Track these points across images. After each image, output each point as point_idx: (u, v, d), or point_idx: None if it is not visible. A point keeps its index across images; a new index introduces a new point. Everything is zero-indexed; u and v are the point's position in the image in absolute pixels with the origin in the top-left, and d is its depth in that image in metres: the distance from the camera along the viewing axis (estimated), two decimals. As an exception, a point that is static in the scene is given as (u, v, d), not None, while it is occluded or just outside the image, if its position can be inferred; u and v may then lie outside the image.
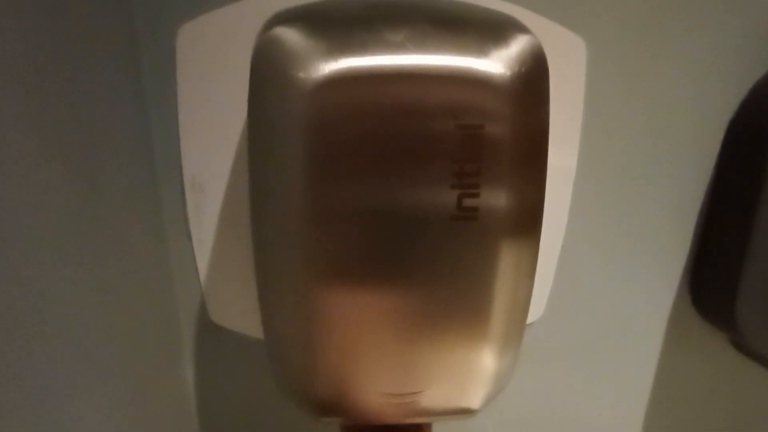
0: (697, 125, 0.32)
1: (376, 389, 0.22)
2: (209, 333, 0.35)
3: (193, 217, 0.32)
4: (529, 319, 0.32)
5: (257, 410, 0.37)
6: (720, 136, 0.33)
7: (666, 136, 0.33)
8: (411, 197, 0.19)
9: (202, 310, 0.34)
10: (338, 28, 0.18)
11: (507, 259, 0.20)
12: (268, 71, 0.19)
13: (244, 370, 0.35)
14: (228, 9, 0.28)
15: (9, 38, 0.20)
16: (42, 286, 0.23)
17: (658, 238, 0.35)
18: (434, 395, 0.22)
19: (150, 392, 0.32)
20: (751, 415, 0.38)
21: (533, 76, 0.18)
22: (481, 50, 0.18)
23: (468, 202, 0.19)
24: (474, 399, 0.23)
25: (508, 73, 0.18)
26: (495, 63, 0.18)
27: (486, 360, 0.22)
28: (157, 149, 0.31)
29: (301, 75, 0.17)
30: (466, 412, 0.23)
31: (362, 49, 0.17)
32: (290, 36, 0.18)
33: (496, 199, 0.19)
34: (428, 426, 0.27)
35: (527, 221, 0.20)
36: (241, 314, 0.34)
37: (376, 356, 0.21)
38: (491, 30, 0.19)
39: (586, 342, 0.37)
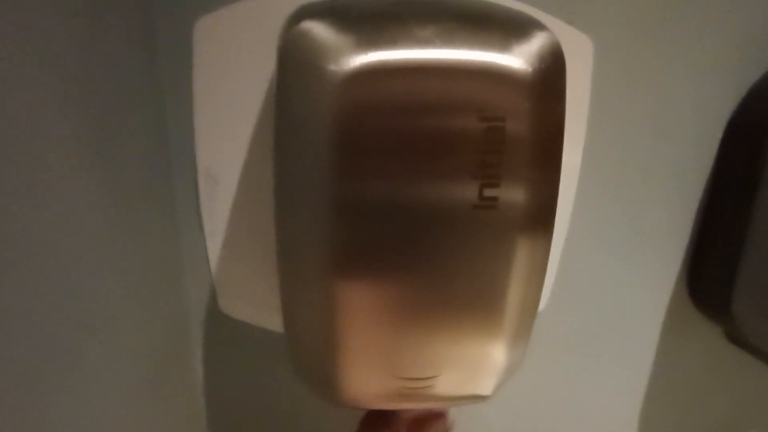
0: (698, 123, 0.33)
1: (393, 374, 0.22)
2: (219, 324, 0.35)
3: (205, 208, 0.32)
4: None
5: (266, 401, 0.37)
6: (719, 133, 0.34)
7: (667, 133, 0.34)
8: (435, 187, 0.19)
9: (212, 300, 0.35)
10: (367, 23, 0.19)
11: (523, 249, 0.21)
12: (297, 64, 0.19)
13: (253, 360, 0.36)
14: (245, 3, 0.28)
15: (39, 37, 0.21)
16: (60, 272, 0.23)
17: (657, 232, 0.36)
18: (449, 381, 0.23)
19: (159, 381, 0.32)
20: (745, 406, 0.39)
21: (552, 72, 0.19)
22: (505, 46, 0.18)
23: (489, 191, 0.19)
24: (487, 385, 0.24)
25: (530, 68, 0.18)
26: (517, 58, 0.18)
27: (500, 347, 0.23)
28: (172, 141, 0.31)
29: (332, 67, 0.18)
30: (478, 398, 0.24)
31: (391, 43, 0.18)
32: (320, 29, 0.19)
33: (515, 189, 0.20)
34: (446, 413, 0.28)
35: (543, 212, 0.21)
36: (250, 305, 0.34)
37: (395, 341, 0.22)
38: (513, 27, 0.19)
39: (586, 333, 0.38)
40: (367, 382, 0.23)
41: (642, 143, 0.34)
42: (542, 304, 0.36)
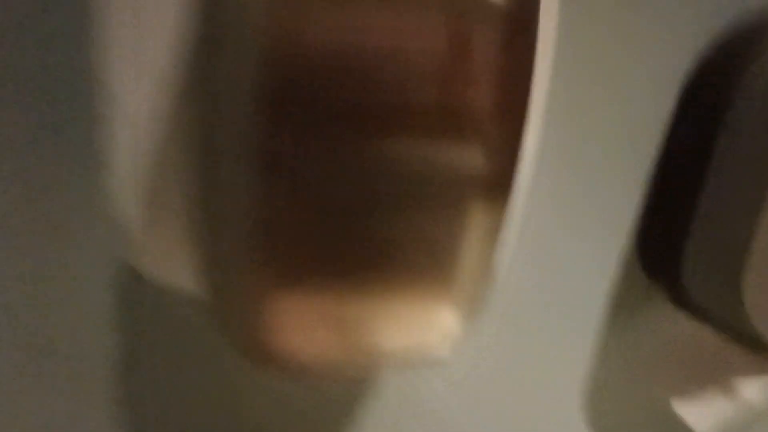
0: (653, 88, 0.32)
1: (332, 328, 0.20)
2: (134, 286, 0.32)
3: (118, 153, 0.29)
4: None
5: (189, 370, 0.34)
6: (675, 95, 0.33)
7: (621, 98, 0.32)
8: (381, 110, 0.16)
9: (125, 260, 0.31)
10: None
11: (482, 187, 0.18)
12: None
13: (172, 327, 0.33)
14: None
15: None
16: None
17: (608, 197, 0.35)
18: (397, 338, 0.21)
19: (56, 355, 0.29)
20: (696, 373, 0.40)
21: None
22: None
23: (445, 122, 0.17)
24: (438, 344, 0.22)
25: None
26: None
27: (452, 302, 0.21)
28: (84, 77, 0.27)
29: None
30: (431, 360, 0.22)
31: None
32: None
33: (473, 138, 0.17)
34: None
35: (502, 168, 0.19)
36: (171, 263, 0.31)
37: (335, 291, 0.19)
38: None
39: (534, 301, 0.37)
40: (301, 336, 0.20)
41: (596, 108, 0.32)
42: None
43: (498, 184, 0.19)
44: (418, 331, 0.21)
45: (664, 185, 0.35)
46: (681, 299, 0.37)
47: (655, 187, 0.35)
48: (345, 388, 0.28)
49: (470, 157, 0.17)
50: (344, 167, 0.17)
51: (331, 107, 0.16)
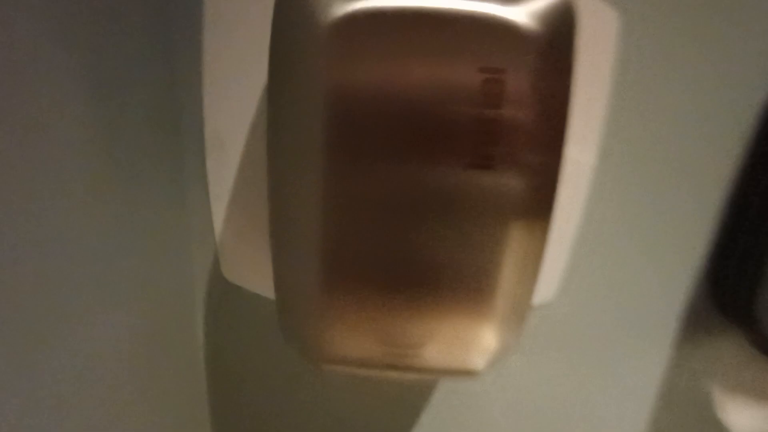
0: (732, 113, 0.31)
1: (377, 339, 0.22)
2: (222, 290, 0.35)
3: (212, 172, 0.32)
4: (540, 300, 0.31)
5: (266, 368, 0.37)
6: (753, 124, 0.32)
7: (697, 122, 0.32)
8: (428, 140, 0.18)
9: (216, 267, 0.35)
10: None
11: (519, 216, 0.20)
12: (289, 11, 0.19)
13: (254, 328, 0.36)
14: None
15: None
16: (59, 225, 0.23)
17: (679, 228, 0.34)
18: (436, 352, 0.22)
19: (161, 346, 0.32)
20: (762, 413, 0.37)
21: (560, 28, 0.18)
22: (507, -3, 0.17)
23: (485, 149, 0.18)
24: (475, 360, 0.23)
25: (534, 20, 0.17)
26: (521, 10, 0.17)
27: (489, 324, 0.22)
28: (181, 102, 0.31)
29: (323, 13, 0.17)
30: (468, 373, 0.23)
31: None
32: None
33: (514, 149, 0.19)
34: None
35: (543, 180, 0.20)
36: (254, 272, 0.34)
37: (381, 305, 0.21)
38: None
39: (597, 330, 0.36)
40: (351, 345, 0.22)
41: (667, 132, 0.32)
42: (550, 294, 0.34)
43: (536, 207, 0.20)
44: (457, 346, 0.22)
45: (740, 220, 0.33)
46: (756, 339, 0.35)
47: (731, 221, 0.34)
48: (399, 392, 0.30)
49: (507, 181, 0.19)
50: (396, 196, 0.19)
51: (384, 137, 0.18)
